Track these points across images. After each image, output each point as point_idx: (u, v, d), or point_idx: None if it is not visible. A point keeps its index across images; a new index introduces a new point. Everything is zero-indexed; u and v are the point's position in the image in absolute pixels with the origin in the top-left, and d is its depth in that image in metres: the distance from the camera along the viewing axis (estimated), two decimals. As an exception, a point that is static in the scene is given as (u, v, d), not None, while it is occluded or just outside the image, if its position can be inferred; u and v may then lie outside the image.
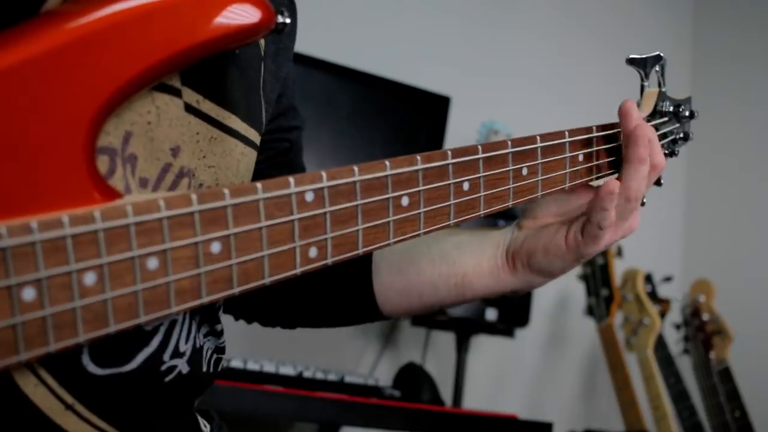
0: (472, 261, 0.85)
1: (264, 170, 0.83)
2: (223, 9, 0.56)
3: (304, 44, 1.72)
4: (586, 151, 0.81)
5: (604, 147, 0.83)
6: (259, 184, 0.55)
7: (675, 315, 2.49)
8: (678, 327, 2.42)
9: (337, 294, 0.90)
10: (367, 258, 0.88)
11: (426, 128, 2.28)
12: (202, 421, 0.76)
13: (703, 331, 2.32)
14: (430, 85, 2.28)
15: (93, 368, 0.61)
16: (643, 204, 0.85)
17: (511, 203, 0.75)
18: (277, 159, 0.88)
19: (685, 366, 2.32)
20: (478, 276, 0.85)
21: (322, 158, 2.10)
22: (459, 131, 2.35)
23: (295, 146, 0.92)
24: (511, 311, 2.18)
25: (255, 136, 0.76)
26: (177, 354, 0.68)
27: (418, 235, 0.67)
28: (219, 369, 0.77)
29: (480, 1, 2.63)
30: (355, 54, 2.23)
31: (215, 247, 0.54)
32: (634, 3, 3.02)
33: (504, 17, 2.67)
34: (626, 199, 0.79)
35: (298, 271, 0.59)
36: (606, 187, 0.77)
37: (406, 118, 2.27)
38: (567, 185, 0.79)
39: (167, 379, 0.67)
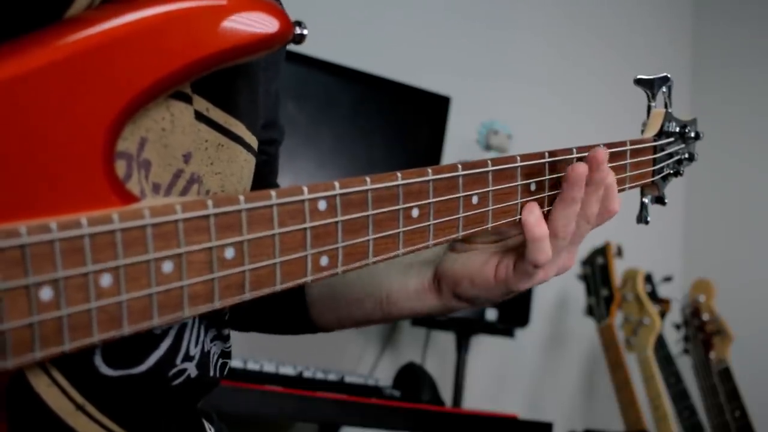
0: (398, 281, 0.82)
1: None
2: (242, 18, 0.57)
3: (305, 44, 1.72)
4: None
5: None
6: (272, 191, 0.56)
7: (675, 315, 2.50)
8: (678, 327, 2.43)
9: (273, 304, 0.87)
10: None
11: (426, 128, 2.28)
12: (207, 425, 0.77)
13: (703, 331, 2.32)
14: (430, 85, 2.28)
15: (105, 369, 0.61)
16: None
17: (518, 218, 0.74)
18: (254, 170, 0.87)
19: (685, 366, 2.33)
20: (402, 297, 0.82)
21: (322, 158, 2.10)
22: (459, 131, 2.35)
23: (272, 159, 0.91)
24: (511, 311, 2.18)
25: (255, 143, 0.77)
26: (187, 357, 0.68)
27: (427, 247, 0.68)
28: (224, 374, 0.78)
29: (480, 2, 2.63)
30: (355, 54, 2.23)
31: (229, 253, 0.54)
32: (634, 3, 3.03)
33: (504, 17, 2.67)
34: (553, 235, 0.75)
35: (309, 278, 0.60)
36: (539, 227, 0.73)
37: (406, 118, 2.28)
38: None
39: (175, 382, 0.67)
